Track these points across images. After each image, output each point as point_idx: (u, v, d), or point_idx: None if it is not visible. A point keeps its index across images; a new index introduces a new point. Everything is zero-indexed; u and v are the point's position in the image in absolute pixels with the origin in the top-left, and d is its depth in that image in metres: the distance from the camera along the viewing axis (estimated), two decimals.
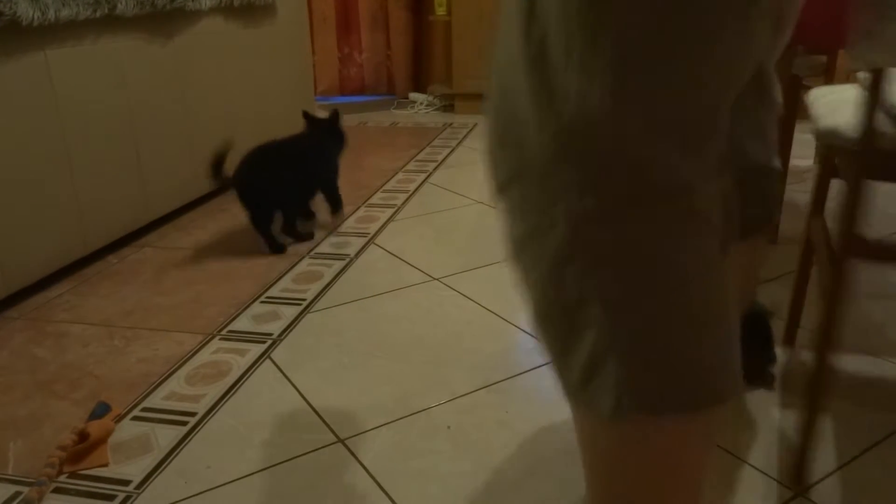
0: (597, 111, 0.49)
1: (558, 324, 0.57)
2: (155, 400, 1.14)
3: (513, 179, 0.57)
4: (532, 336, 1.31)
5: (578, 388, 0.56)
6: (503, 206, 0.59)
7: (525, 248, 0.58)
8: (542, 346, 0.59)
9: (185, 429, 1.06)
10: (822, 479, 0.92)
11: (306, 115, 1.95)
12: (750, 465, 0.95)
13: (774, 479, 0.92)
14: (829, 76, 2.41)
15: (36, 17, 1.40)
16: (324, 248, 1.79)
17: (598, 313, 0.54)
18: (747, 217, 0.81)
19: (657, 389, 0.53)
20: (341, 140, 1.96)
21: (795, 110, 1.64)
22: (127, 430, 1.06)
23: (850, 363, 1.19)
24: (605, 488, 0.62)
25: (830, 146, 0.94)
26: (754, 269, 1.01)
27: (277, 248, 1.76)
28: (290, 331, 1.35)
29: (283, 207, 1.81)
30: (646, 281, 0.54)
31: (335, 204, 1.95)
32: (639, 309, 0.54)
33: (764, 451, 0.98)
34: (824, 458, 0.96)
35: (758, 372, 1.09)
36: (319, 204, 1.93)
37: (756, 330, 1.07)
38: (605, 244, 0.53)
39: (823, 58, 2.36)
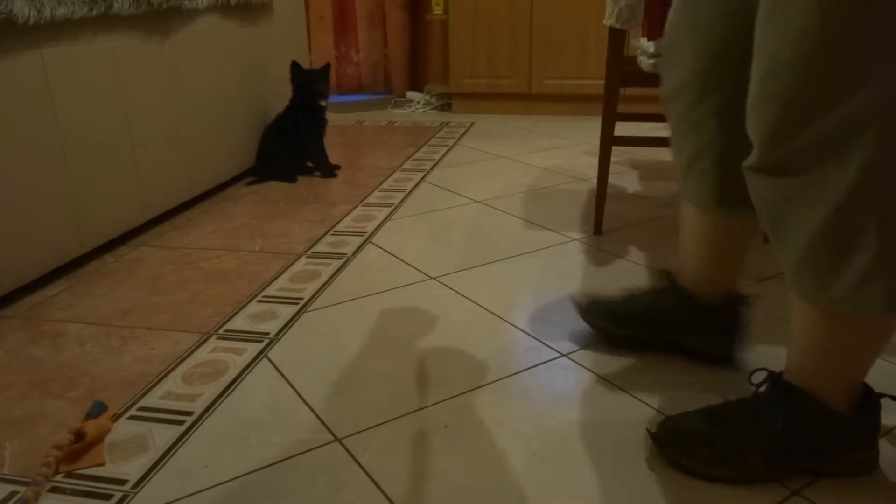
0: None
1: (831, 252, 0.78)
2: (152, 399, 1.14)
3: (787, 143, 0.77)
4: (529, 335, 1.31)
5: (848, 294, 0.79)
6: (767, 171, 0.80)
7: (798, 198, 0.78)
8: (807, 274, 0.81)
9: (181, 428, 1.06)
10: (818, 478, 0.92)
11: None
12: None
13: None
14: None
15: (32, 15, 1.40)
16: (320, 247, 1.79)
17: (874, 238, 0.75)
18: None
19: None
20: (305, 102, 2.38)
21: None
22: (123, 429, 1.06)
23: None
24: (815, 357, 0.88)
25: None
26: (745, 248, 1.15)
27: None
28: (287, 330, 1.35)
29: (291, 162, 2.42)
30: None
31: (320, 170, 2.47)
32: None
33: None
34: None
35: (726, 353, 1.18)
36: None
37: (737, 316, 1.16)
38: (888, 181, 0.73)
39: None
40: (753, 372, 0.95)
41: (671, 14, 1.05)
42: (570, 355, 1.24)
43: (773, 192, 0.81)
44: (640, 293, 1.23)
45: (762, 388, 0.93)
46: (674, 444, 0.95)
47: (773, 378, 0.92)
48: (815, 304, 0.82)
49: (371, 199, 2.18)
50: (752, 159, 0.82)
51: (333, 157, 2.56)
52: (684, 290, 1.16)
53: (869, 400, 0.90)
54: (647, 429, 1.00)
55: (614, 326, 1.23)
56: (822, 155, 0.75)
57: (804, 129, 0.75)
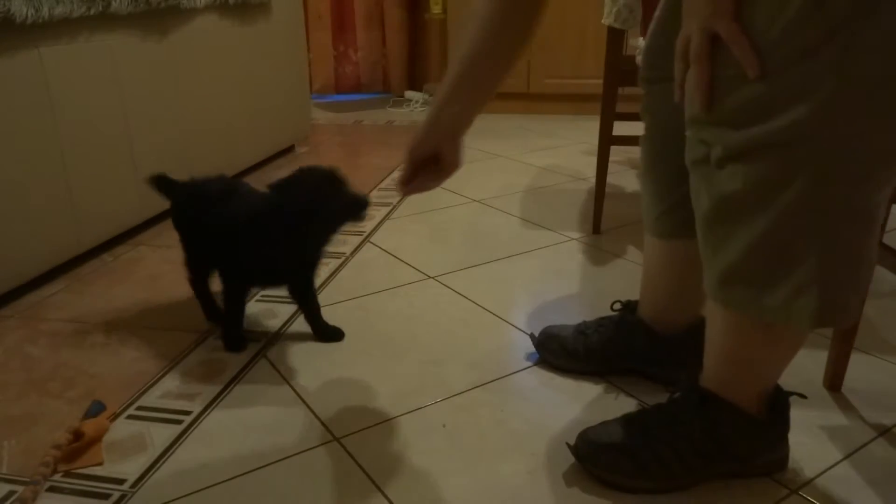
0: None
1: (768, 264, 0.76)
2: (150, 398, 1.13)
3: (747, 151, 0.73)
4: (527, 334, 1.31)
5: (782, 305, 0.77)
6: (711, 173, 0.77)
7: (744, 205, 0.75)
8: (739, 283, 0.79)
9: (180, 427, 1.06)
10: (817, 477, 0.92)
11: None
12: None
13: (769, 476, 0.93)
14: None
15: (30, 14, 1.39)
16: None
17: (812, 252, 0.74)
18: None
19: (833, 312, 0.77)
20: None
21: None
22: (122, 428, 1.06)
23: None
24: (732, 366, 0.88)
25: None
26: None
27: None
28: (286, 329, 1.35)
29: None
30: (848, 231, 0.75)
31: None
32: (840, 254, 0.75)
33: None
34: (819, 455, 0.97)
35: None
36: None
37: (699, 342, 0.95)
38: (833, 209, 0.73)
39: None
40: None
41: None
42: None
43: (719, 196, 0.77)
44: (592, 328, 1.18)
45: (677, 395, 0.93)
46: (593, 458, 0.93)
47: (690, 384, 0.92)
48: (745, 313, 0.81)
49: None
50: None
51: (332, 156, 2.54)
52: (642, 323, 1.13)
53: (779, 400, 0.91)
54: (566, 443, 0.96)
55: (571, 362, 1.17)
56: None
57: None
